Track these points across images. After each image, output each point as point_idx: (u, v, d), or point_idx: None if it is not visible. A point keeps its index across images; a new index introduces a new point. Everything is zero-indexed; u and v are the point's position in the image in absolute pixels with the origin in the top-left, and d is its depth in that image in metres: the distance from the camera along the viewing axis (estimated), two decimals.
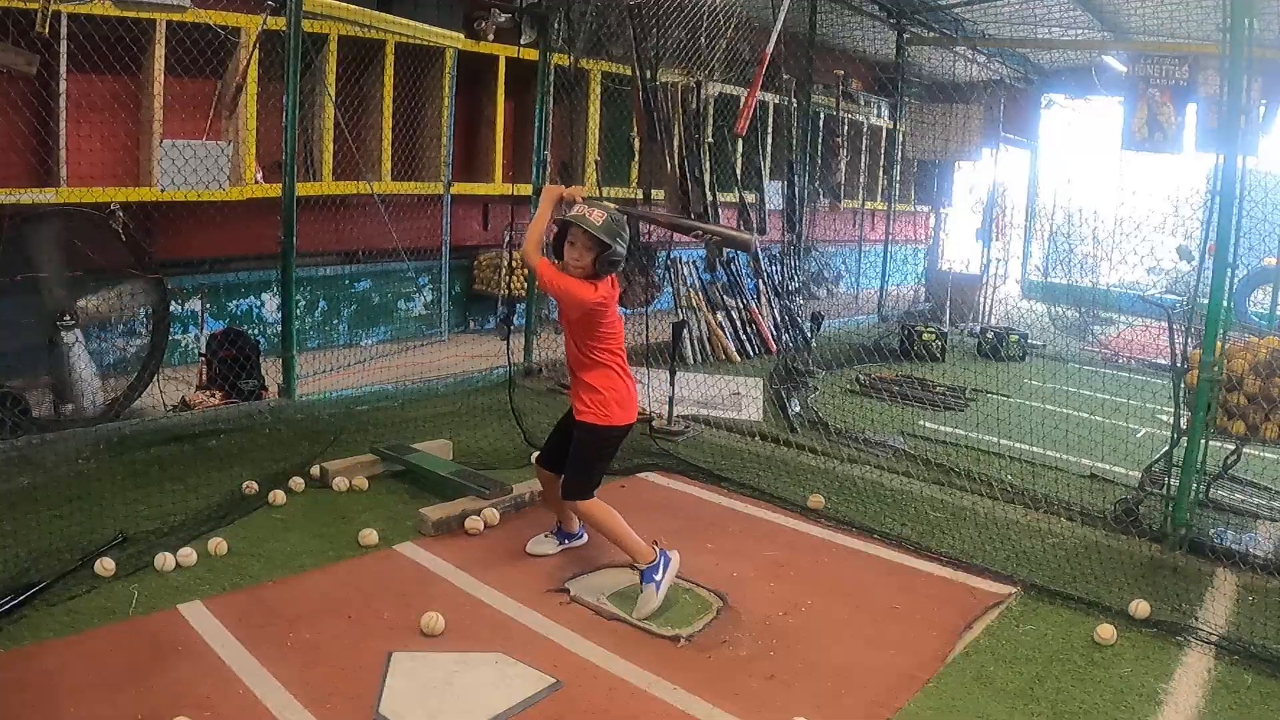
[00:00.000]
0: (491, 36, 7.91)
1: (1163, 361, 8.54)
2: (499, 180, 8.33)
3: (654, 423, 5.82)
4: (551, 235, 3.70)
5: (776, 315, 9.07)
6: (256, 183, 6.47)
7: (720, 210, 9.04)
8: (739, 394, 7.03)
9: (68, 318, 5.02)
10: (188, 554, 3.64)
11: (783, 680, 3.07)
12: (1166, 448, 4.35)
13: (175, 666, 2.92)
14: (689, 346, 8.27)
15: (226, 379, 5.70)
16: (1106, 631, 3.41)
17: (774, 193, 9.70)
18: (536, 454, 4.00)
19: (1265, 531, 4.47)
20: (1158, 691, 3.09)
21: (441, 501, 4.34)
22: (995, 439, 5.86)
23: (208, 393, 5.63)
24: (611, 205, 3.64)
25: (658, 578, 3.48)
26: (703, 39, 7.83)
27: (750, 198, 9.38)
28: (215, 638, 3.11)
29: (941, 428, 6.45)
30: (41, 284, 4.96)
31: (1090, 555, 4.13)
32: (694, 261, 8.98)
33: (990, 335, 9.59)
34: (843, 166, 11.39)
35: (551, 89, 7.28)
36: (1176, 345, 4.52)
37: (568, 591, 3.62)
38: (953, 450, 5.82)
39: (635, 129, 8.55)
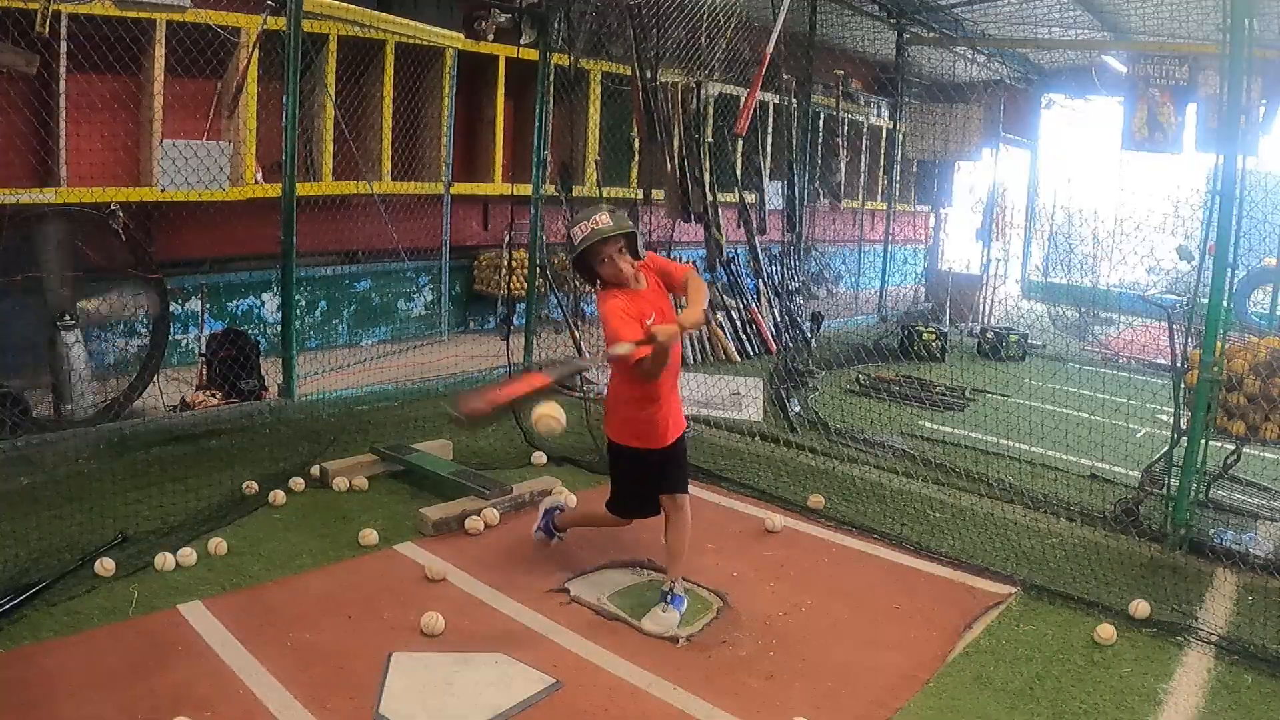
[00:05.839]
0: (491, 36, 7.90)
1: (1163, 361, 8.54)
2: (499, 180, 8.32)
3: None
4: (571, 266, 3.45)
5: (776, 315, 9.07)
6: (256, 183, 6.47)
7: (720, 210, 9.05)
8: (739, 394, 7.02)
9: (68, 318, 5.02)
10: (188, 554, 3.64)
11: (782, 680, 3.07)
12: (1166, 448, 4.34)
13: (175, 666, 2.92)
14: (689, 346, 8.27)
15: (226, 379, 5.70)
16: (1106, 631, 3.41)
17: (774, 193, 9.69)
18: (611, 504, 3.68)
19: (1265, 531, 4.47)
20: (1158, 691, 3.09)
21: (441, 501, 4.34)
22: (995, 439, 5.86)
23: (208, 393, 5.62)
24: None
25: (682, 608, 3.41)
26: (703, 39, 7.83)
27: (750, 198, 9.38)
28: (215, 638, 3.11)
29: (941, 428, 6.45)
30: (42, 284, 4.96)
31: (1090, 555, 4.13)
32: (693, 262, 8.98)
33: (990, 335, 9.59)
34: (843, 166, 11.38)
35: (551, 89, 7.27)
36: (1176, 345, 4.52)
37: (568, 591, 3.62)
38: (953, 450, 5.82)
39: (635, 129, 8.55)
